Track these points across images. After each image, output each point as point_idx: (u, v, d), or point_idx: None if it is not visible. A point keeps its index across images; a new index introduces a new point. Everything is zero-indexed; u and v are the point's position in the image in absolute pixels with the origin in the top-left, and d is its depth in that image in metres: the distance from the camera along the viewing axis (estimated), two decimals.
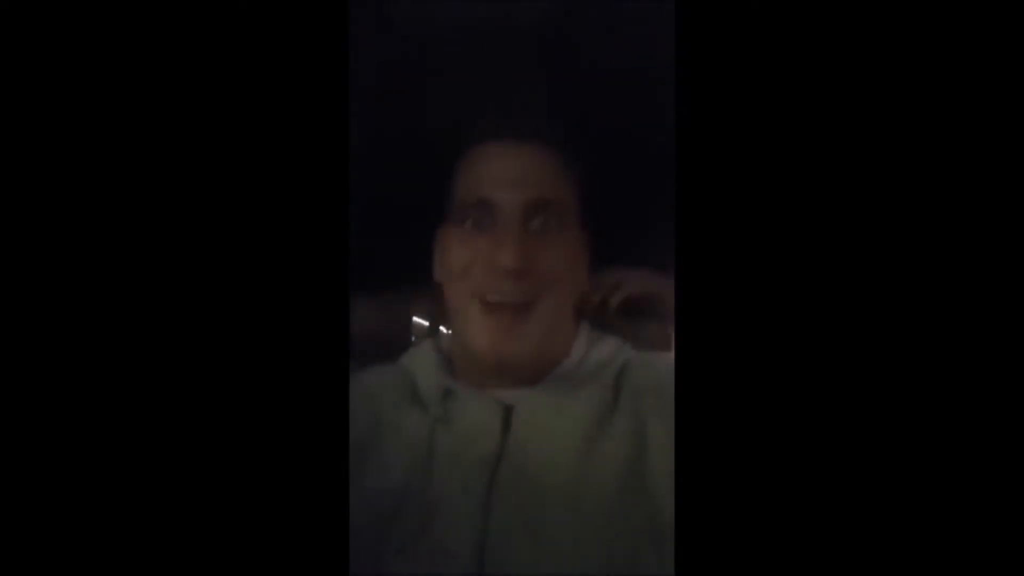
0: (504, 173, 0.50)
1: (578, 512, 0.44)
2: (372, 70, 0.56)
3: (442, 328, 0.66)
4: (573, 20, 0.60)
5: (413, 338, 0.70)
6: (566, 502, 0.45)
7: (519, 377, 0.51)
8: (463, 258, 0.51)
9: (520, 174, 0.50)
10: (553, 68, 0.62)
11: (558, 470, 0.46)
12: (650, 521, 0.43)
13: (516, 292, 0.49)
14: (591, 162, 0.54)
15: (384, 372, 0.57)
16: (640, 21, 0.57)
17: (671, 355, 0.51)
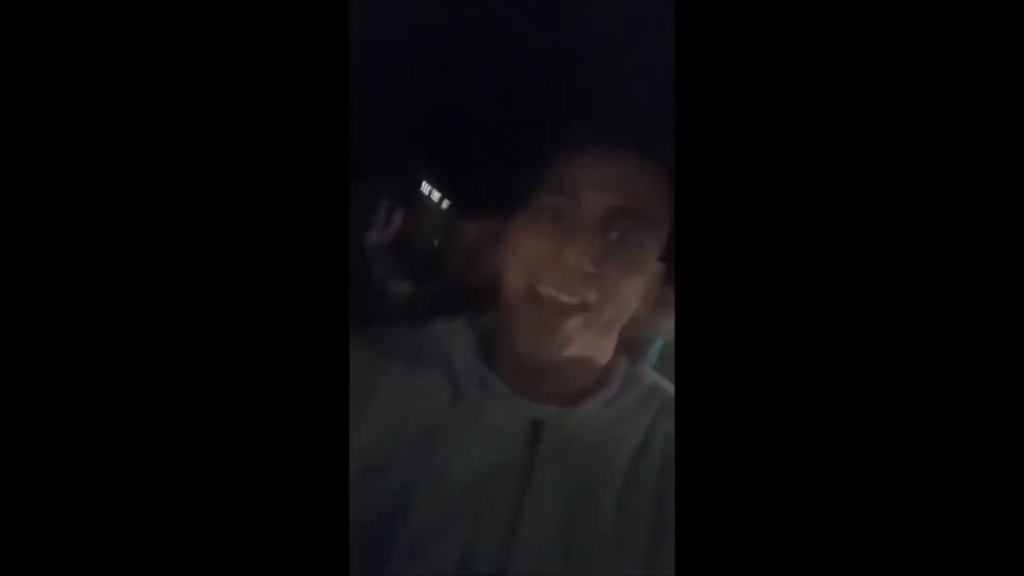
0: (598, 175, 0.48)
1: (600, 550, 0.44)
2: (373, 69, 0.56)
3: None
4: (571, 21, 0.60)
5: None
6: (590, 536, 0.45)
7: (551, 384, 0.50)
8: (530, 246, 0.49)
9: (613, 179, 0.48)
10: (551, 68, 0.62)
11: (585, 501, 0.46)
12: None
13: (571, 292, 0.47)
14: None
15: (410, 337, 0.54)
16: (640, 21, 0.57)
17: None
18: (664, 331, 0.64)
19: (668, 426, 0.50)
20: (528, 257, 0.49)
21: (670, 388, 0.55)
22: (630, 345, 0.56)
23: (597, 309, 0.48)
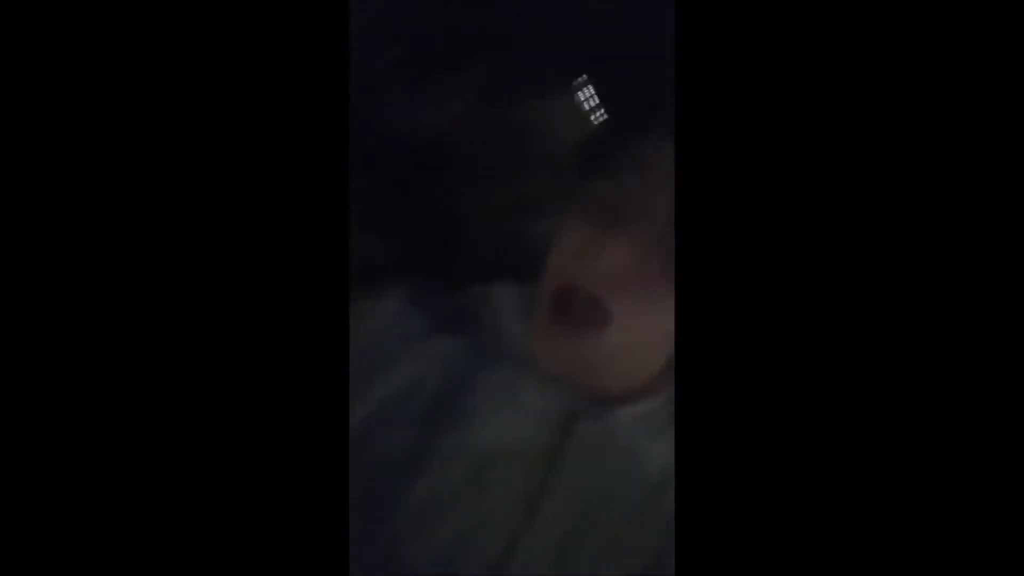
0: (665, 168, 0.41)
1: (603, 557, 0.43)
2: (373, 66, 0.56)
3: None
4: (572, 19, 0.60)
5: None
6: (596, 541, 0.43)
7: (584, 381, 0.46)
8: (572, 240, 0.44)
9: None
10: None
11: (601, 504, 0.44)
12: None
13: (599, 301, 0.42)
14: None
15: (459, 294, 0.50)
16: (640, 21, 0.57)
17: None
18: None
19: None
20: (567, 252, 0.44)
21: None
22: None
23: (624, 327, 0.43)
